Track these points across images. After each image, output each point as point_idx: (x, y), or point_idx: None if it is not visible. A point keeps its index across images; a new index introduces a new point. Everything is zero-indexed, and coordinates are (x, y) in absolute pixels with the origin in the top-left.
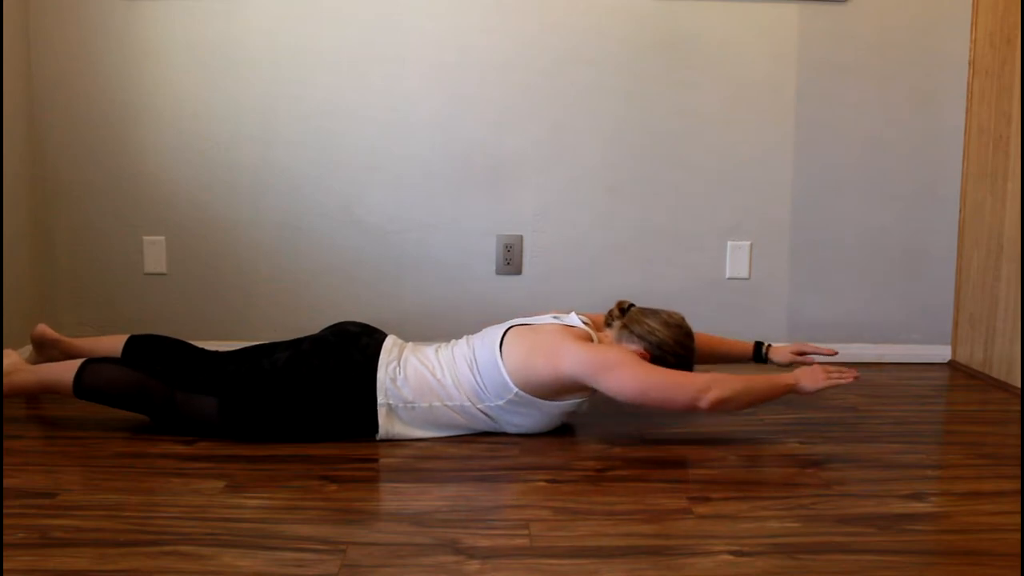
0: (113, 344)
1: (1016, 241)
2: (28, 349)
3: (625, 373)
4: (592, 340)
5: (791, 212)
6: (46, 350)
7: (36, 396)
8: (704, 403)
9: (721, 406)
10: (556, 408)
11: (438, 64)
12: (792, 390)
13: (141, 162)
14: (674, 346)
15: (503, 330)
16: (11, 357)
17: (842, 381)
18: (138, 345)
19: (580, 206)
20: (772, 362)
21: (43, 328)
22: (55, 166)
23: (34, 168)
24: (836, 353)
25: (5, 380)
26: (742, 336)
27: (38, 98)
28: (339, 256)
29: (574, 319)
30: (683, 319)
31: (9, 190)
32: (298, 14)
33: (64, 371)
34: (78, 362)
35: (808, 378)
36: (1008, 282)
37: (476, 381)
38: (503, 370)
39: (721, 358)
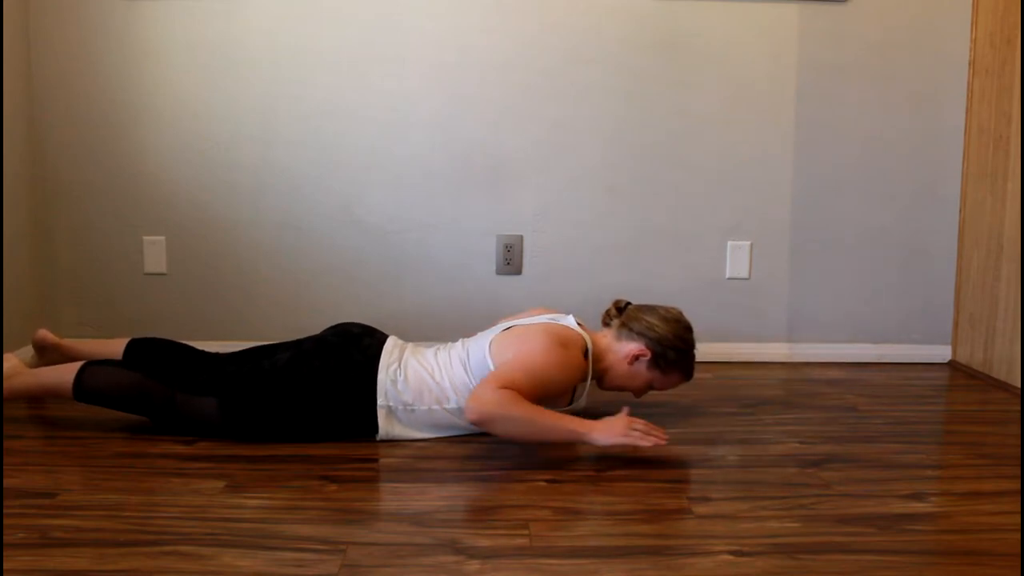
0: (114, 347)
1: (1016, 241)
2: (29, 350)
3: (514, 358)
4: (585, 345)
5: (791, 212)
6: (47, 354)
7: (37, 398)
8: (470, 413)
9: (485, 423)
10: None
11: (438, 64)
12: (582, 439)
13: (141, 162)
14: (674, 340)
15: (495, 332)
16: (10, 361)
17: (641, 443)
18: (139, 348)
19: (580, 206)
20: None
21: (44, 332)
22: (55, 166)
23: (34, 168)
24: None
25: (5, 384)
26: (742, 336)
27: (38, 98)
28: (339, 256)
29: (569, 321)
30: (681, 313)
31: (9, 190)
32: (298, 14)
33: (64, 374)
34: (78, 365)
35: (605, 430)
36: (1008, 282)
37: (470, 383)
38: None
39: None
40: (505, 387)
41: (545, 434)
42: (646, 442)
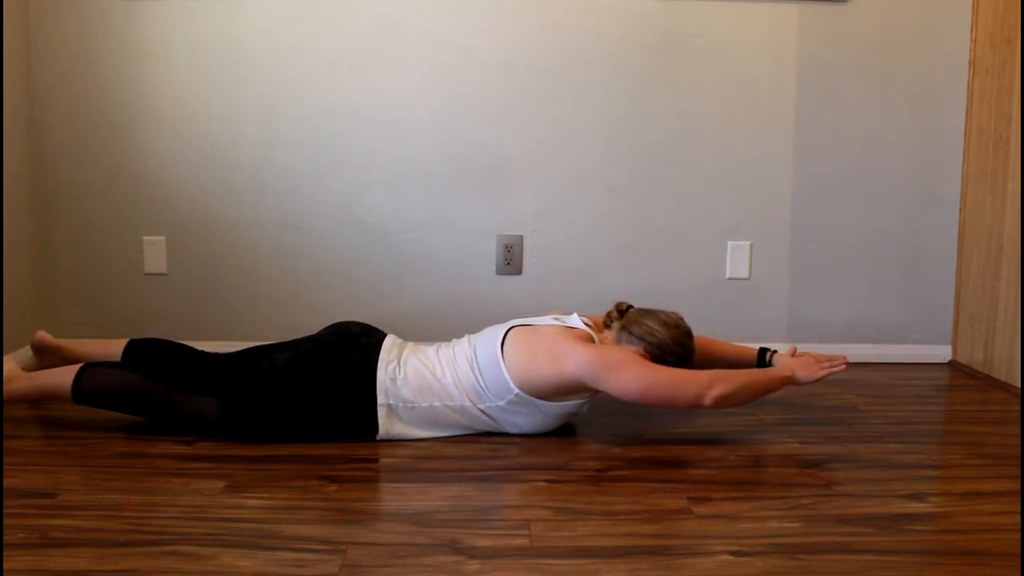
0: (113, 349)
1: (1016, 241)
2: (28, 350)
3: (628, 372)
4: (593, 341)
5: (791, 212)
6: (46, 356)
7: (36, 400)
8: (708, 400)
9: (724, 402)
10: (557, 409)
11: (438, 64)
12: (789, 382)
13: (141, 162)
14: (673, 346)
15: (504, 330)
16: (9, 364)
17: (835, 370)
18: (138, 349)
19: (580, 206)
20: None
21: (43, 335)
22: (55, 166)
23: (34, 168)
24: (845, 364)
25: (4, 387)
26: (742, 336)
27: (38, 98)
28: (339, 256)
29: (576, 320)
30: (681, 319)
31: (9, 190)
32: (298, 14)
33: (63, 376)
34: (76, 367)
35: (804, 369)
36: (1008, 282)
37: (477, 381)
38: (504, 371)
39: (725, 363)
40: (644, 379)
41: (764, 387)
42: (838, 369)
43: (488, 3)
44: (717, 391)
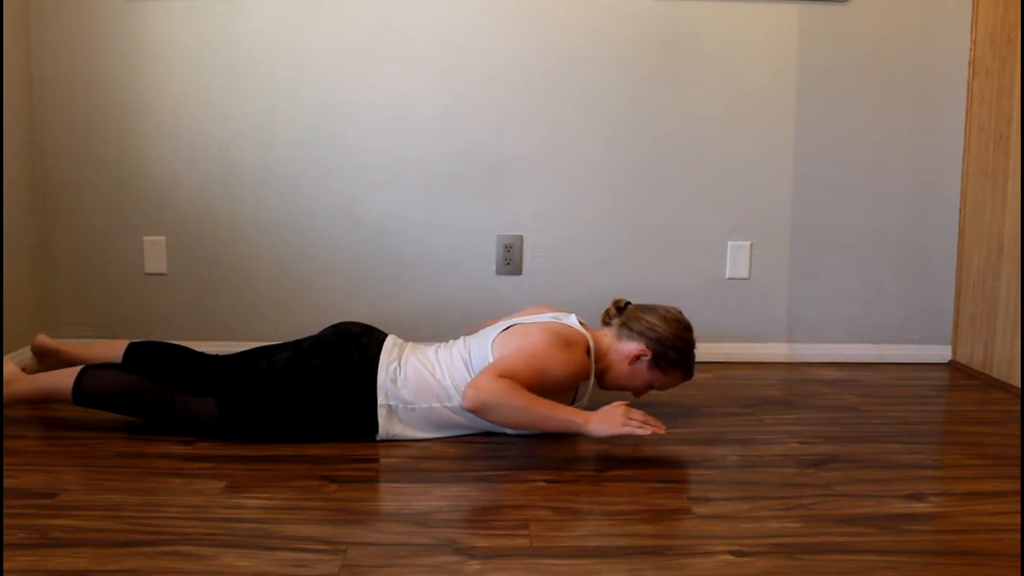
0: (113, 351)
1: (1016, 241)
2: (28, 350)
3: (516, 349)
4: (587, 345)
5: (791, 212)
6: (46, 359)
7: (36, 403)
8: (466, 400)
9: (481, 410)
10: None
11: (438, 64)
12: (578, 430)
13: (141, 162)
14: (675, 340)
15: (499, 330)
16: (9, 366)
17: (639, 432)
18: (137, 351)
19: (580, 206)
20: None
21: (43, 338)
22: (55, 166)
23: (34, 168)
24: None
25: (5, 390)
26: (742, 336)
27: (38, 98)
28: (339, 256)
29: (572, 320)
30: (680, 313)
31: (9, 190)
32: (298, 15)
33: (63, 378)
34: (76, 369)
35: (602, 420)
36: (1008, 282)
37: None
38: None
39: None
40: (504, 376)
41: (541, 423)
42: (644, 431)
43: (488, 3)
44: (477, 396)
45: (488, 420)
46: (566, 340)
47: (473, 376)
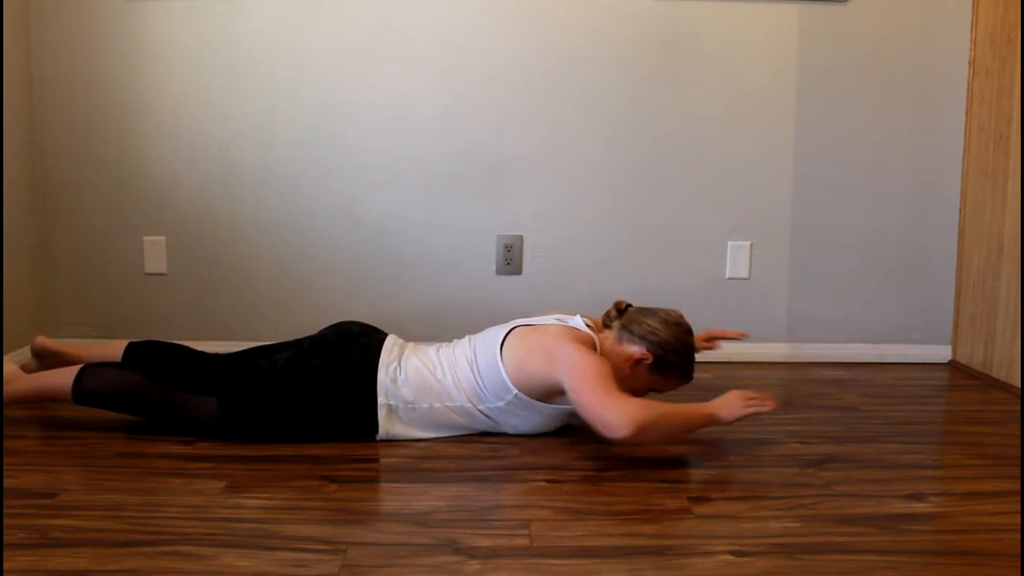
0: (112, 351)
1: (1016, 241)
2: (28, 350)
3: (575, 375)
4: (595, 345)
5: (791, 212)
6: (47, 361)
7: (36, 403)
8: (625, 430)
9: (642, 433)
10: (555, 411)
11: (439, 64)
12: (712, 421)
13: (141, 162)
14: (676, 344)
15: (506, 331)
16: (8, 366)
17: (761, 410)
18: (137, 351)
19: (580, 206)
20: None
21: (43, 340)
22: (55, 166)
23: (34, 168)
24: (747, 335)
25: (4, 388)
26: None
27: (38, 98)
28: (339, 256)
29: (578, 321)
30: (681, 316)
31: (9, 190)
32: (298, 15)
33: (63, 377)
34: (76, 368)
35: (728, 406)
36: (1008, 282)
37: (476, 381)
38: (503, 371)
39: None
40: (616, 394)
41: (685, 426)
42: (765, 408)
43: (489, 3)
44: (628, 430)
45: (644, 442)
46: (580, 341)
47: (480, 380)
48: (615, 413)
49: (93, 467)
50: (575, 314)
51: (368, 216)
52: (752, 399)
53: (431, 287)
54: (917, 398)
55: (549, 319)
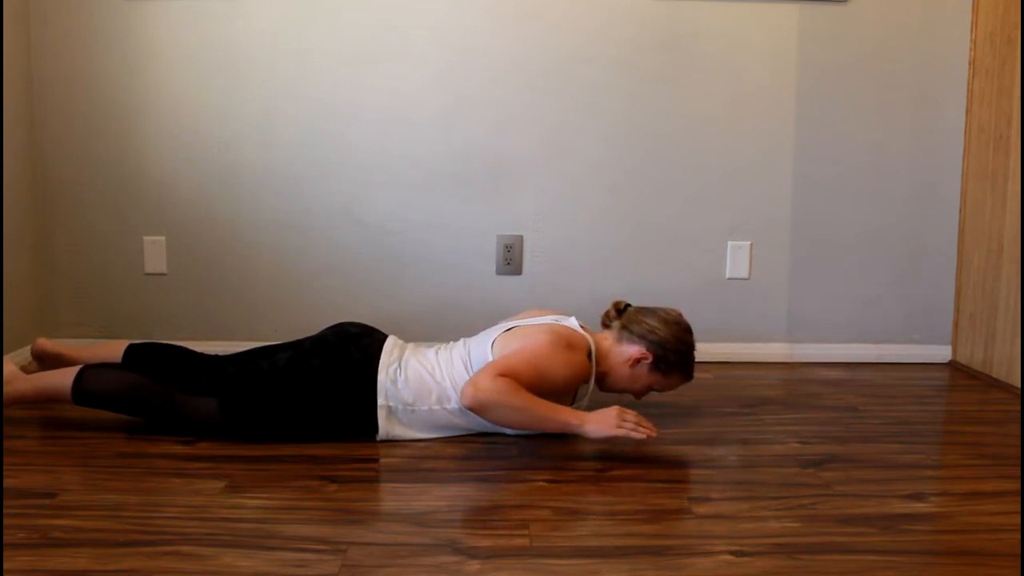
0: (112, 351)
1: (1016, 241)
2: (29, 350)
3: (519, 351)
4: (589, 347)
5: (791, 212)
6: (47, 363)
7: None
8: (465, 398)
9: (480, 409)
10: None
11: (439, 64)
12: (572, 431)
13: (141, 162)
14: (675, 343)
15: (498, 332)
16: (8, 366)
17: (634, 434)
18: (137, 352)
19: (580, 206)
20: None
21: (43, 342)
22: (55, 166)
23: (34, 168)
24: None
25: (4, 389)
26: (742, 336)
27: (38, 98)
28: (339, 256)
29: (572, 322)
30: (681, 315)
31: (9, 190)
32: (298, 15)
33: (63, 377)
34: (76, 368)
35: (598, 422)
36: (1008, 282)
37: None
38: None
39: None
40: (504, 375)
41: (539, 424)
42: (638, 434)
43: (489, 3)
44: (477, 395)
45: (486, 419)
46: (568, 342)
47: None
48: (473, 381)
49: (93, 467)
50: (571, 316)
51: (368, 216)
52: (628, 422)
53: (431, 287)
54: (917, 398)
55: (546, 318)
